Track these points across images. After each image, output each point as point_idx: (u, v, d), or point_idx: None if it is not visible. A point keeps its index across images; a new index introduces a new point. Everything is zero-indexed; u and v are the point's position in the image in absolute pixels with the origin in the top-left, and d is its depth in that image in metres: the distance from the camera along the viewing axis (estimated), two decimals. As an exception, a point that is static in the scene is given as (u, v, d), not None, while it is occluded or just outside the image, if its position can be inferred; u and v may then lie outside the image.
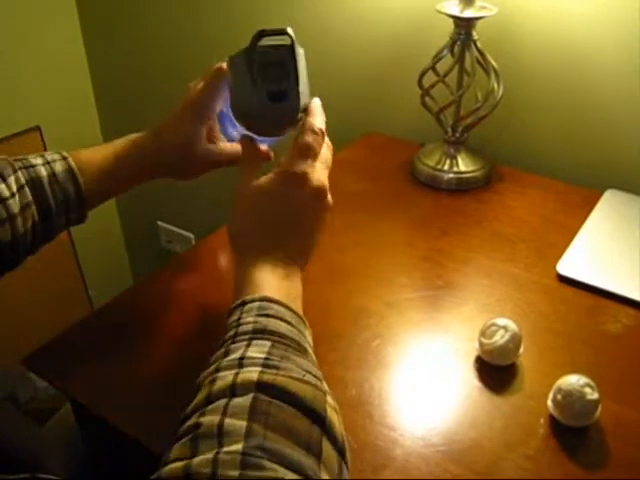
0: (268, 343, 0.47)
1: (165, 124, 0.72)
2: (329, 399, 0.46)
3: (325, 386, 0.47)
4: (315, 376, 0.47)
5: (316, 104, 0.62)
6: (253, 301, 0.52)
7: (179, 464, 0.38)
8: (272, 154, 0.70)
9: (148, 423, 0.60)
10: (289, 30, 0.62)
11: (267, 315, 0.50)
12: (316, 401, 0.44)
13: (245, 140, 0.64)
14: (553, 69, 0.98)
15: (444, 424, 0.59)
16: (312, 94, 0.66)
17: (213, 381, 0.45)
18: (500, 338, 0.63)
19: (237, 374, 0.44)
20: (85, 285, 1.74)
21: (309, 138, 0.58)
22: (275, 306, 0.51)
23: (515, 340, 0.63)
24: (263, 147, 0.67)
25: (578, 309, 0.74)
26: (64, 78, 1.60)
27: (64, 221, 0.68)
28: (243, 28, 1.31)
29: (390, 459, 0.56)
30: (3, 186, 0.62)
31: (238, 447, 0.39)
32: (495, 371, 0.65)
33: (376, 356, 0.67)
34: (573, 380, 0.57)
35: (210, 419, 0.41)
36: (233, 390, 0.43)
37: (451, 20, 0.90)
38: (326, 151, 0.61)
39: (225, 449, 0.39)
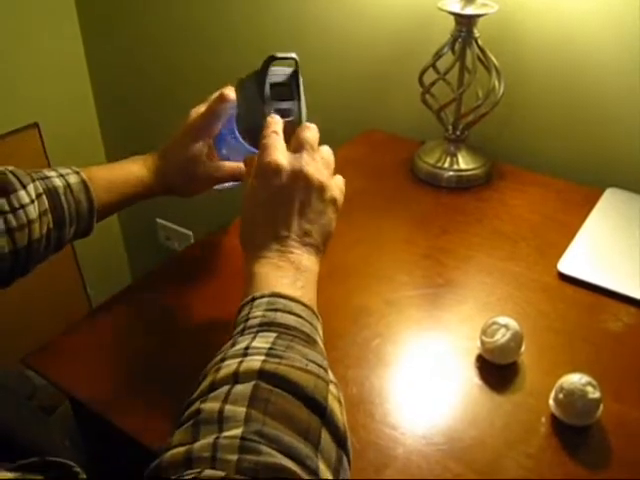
0: (274, 334, 0.48)
1: (169, 146, 0.78)
2: (332, 388, 0.46)
3: (330, 376, 0.47)
4: (320, 365, 0.47)
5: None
6: (262, 297, 0.52)
7: (181, 449, 0.39)
8: None
9: (147, 421, 0.60)
10: (295, 56, 0.71)
11: (275, 309, 0.51)
12: (317, 390, 0.44)
13: (251, 157, 0.67)
14: (554, 67, 0.97)
15: (445, 422, 0.59)
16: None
17: (218, 370, 0.45)
18: (501, 337, 0.63)
19: (241, 362, 0.45)
20: (84, 283, 1.74)
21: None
22: (283, 301, 0.52)
23: (516, 339, 0.63)
24: None
25: (579, 307, 0.73)
26: (63, 75, 1.60)
27: (74, 231, 0.71)
28: (242, 26, 1.30)
29: (392, 458, 0.56)
30: (23, 193, 0.65)
31: (237, 432, 0.39)
32: (496, 370, 0.65)
33: (376, 355, 0.67)
34: (575, 379, 0.57)
35: (211, 405, 0.42)
36: (236, 378, 0.44)
37: (452, 17, 0.90)
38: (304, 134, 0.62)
39: (225, 434, 0.39)
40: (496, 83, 0.92)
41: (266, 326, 0.49)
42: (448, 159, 0.99)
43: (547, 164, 1.02)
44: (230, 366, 0.45)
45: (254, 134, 0.69)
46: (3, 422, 0.44)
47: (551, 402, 0.59)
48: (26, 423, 0.47)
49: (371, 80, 1.18)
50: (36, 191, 0.67)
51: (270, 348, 0.46)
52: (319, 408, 0.43)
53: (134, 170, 0.77)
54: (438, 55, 0.94)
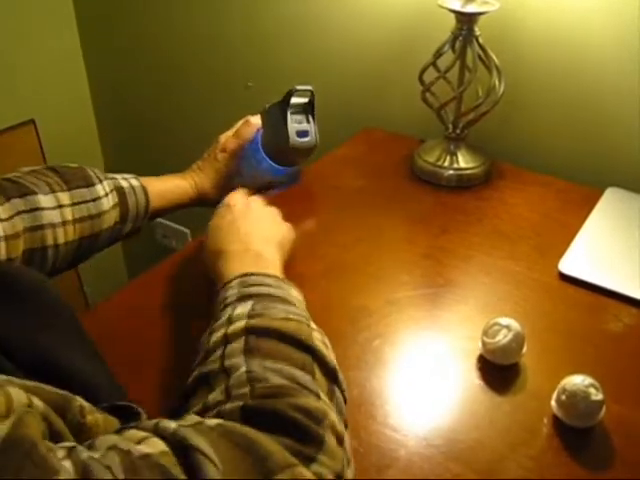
0: (251, 301, 0.53)
1: (205, 164, 0.92)
2: (316, 334, 0.51)
3: (313, 325, 0.53)
4: (300, 315, 0.52)
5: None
6: (233, 279, 0.59)
7: (198, 405, 0.44)
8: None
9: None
10: (311, 88, 0.87)
11: (249, 285, 0.57)
12: (301, 333, 0.49)
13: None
14: (554, 66, 0.97)
15: (447, 424, 0.59)
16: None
17: (208, 341, 0.50)
18: (503, 337, 0.62)
19: (227, 328, 0.50)
20: (80, 281, 1.73)
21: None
22: (253, 277, 0.58)
23: (518, 339, 0.63)
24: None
25: (580, 308, 0.73)
26: (59, 72, 1.59)
27: (130, 227, 0.81)
28: (242, 25, 1.29)
29: (394, 459, 0.55)
30: (100, 187, 0.75)
31: (243, 370, 0.44)
32: (498, 370, 0.64)
33: (377, 355, 0.66)
34: (578, 380, 0.57)
35: (211, 367, 0.47)
36: (226, 340, 0.49)
37: (453, 15, 0.89)
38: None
39: (233, 376, 0.44)
40: (496, 82, 0.92)
41: (242, 298, 0.54)
42: (448, 158, 0.98)
43: (547, 163, 1.02)
44: (218, 333, 0.50)
45: (278, 153, 0.88)
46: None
47: (553, 403, 0.58)
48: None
49: (371, 78, 1.18)
50: (109, 187, 0.77)
51: (251, 310, 0.51)
52: (307, 348, 0.48)
53: (178, 182, 0.89)
54: (438, 53, 0.93)
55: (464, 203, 0.93)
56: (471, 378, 0.64)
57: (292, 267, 0.79)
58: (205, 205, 0.92)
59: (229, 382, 0.44)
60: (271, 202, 0.93)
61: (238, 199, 0.75)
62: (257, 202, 0.75)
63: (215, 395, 0.44)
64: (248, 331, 0.48)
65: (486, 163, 0.99)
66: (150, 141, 1.64)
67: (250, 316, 0.50)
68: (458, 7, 0.88)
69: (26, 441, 0.30)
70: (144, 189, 0.82)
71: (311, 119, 0.88)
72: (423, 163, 0.99)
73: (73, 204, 0.71)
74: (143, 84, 1.57)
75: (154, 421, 0.38)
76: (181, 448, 0.35)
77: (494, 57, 0.91)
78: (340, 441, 0.43)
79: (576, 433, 0.58)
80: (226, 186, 0.91)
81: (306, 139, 0.86)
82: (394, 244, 0.85)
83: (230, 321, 0.51)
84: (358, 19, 1.13)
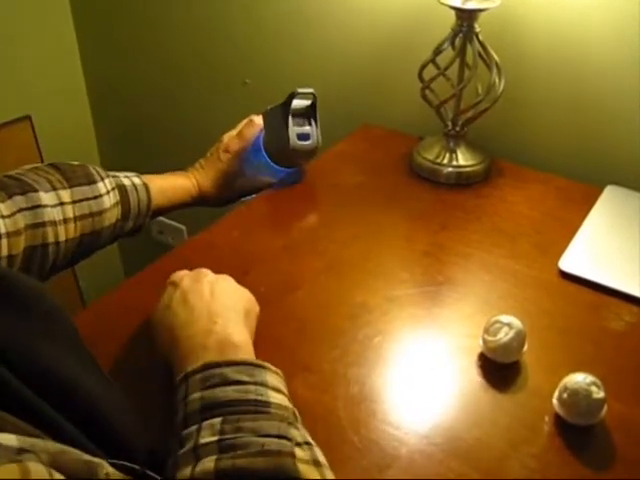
0: (219, 419, 0.46)
1: (207, 163, 0.92)
2: (299, 454, 0.44)
3: (294, 437, 0.46)
4: (277, 436, 0.45)
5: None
6: (195, 372, 0.51)
7: None
8: None
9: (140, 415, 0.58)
10: (313, 91, 0.88)
11: (212, 386, 0.50)
12: (284, 469, 0.43)
13: None
14: (554, 63, 0.97)
15: (448, 422, 0.59)
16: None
17: (177, 452, 0.45)
18: (504, 335, 0.62)
19: (194, 468, 0.43)
20: (75, 277, 1.72)
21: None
22: (217, 370, 0.51)
23: (519, 338, 0.62)
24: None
25: (580, 306, 0.73)
26: (55, 67, 1.58)
27: (132, 225, 0.81)
28: (241, 22, 1.29)
29: (395, 458, 0.55)
30: (102, 184, 0.75)
31: None
32: (498, 369, 0.64)
33: (377, 353, 0.66)
34: (579, 379, 0.56)
35: None
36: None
37: (453, 12, 0.89)
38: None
39: None
40: (496, 79, 0.91)
41: (208, 411, 0.48)
42: (447, 155, 0.98)
43: (547, 161, 1.02)
44: (184, 473, 0.43)
45: (280, 155, 0.89)
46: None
47: (555, 401, 0.58)
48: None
49: (370, 75, 1.17)
50: (110, 185, 0.76)
51: (219, 440, 0.45)
52: None
53: (180, 181, 0.89)
54: (438, 50, 0.93)
55: (463, 201, 0.93)
56: (472, 376, 0.64)
57: (292, 264, 0.79)
58: (205, 205, 0.92)
59: None
60: (270, 200, 0.93)
61: (183, 274, 0.65)
62: (204, 272, 0.65)
63: None
64: (218, 476, 0.42)
65: (486, 161, 0.98)
66: (146, 137, 1.63)
67: (220, 449, 0.44)
68: (458, 4, 0.87)
69: None
70: (146, 187, 0.82)
71: (313, 122, 0.89)
72: (422, 160, 0.99)
73: (74, 202, 0.71)
74: (139, 80, 1.56)
75: None
76: None
77: (494, 54, 0.91)
78: None
79: (578, 431, 0.57)
80: (227, 186, 0.92)
81: (307, 142, 0.88)
82: (393, 241, 0.84)
83: (197, 454, 0.44)
84: (358, 16, 1.12)
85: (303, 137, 0.88)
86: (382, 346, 0.67)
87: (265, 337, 0.64)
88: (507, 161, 1.02)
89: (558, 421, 0.58)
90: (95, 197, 0.74)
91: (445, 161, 0.97)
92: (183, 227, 1.72)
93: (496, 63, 0.91)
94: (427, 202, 0.93)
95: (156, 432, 0.51)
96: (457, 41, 0.92)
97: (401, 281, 0.77)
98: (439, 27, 0.93)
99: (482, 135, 1.02)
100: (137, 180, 0.82)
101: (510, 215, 0.89)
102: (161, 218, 1.73)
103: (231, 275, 0.67)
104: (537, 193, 0.94)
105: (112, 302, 0.74)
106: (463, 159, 0.97)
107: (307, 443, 0.47)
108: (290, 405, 0.51)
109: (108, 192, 0.75)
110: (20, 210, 0.65)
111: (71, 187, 0.71)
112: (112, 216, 0.76)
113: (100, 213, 0.74)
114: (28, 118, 1.52)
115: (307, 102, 0.89)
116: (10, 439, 0.30)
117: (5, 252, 0.62)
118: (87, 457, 0.34)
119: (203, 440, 0.45)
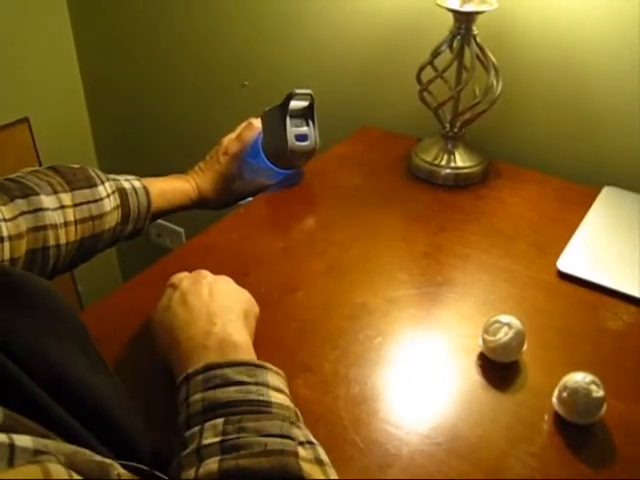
0: (221, 420, 0.47)
1: (206, 166, 0.92)
2: (302, 453, 0.44)
3: (297, 436, 0.46)
4: (280, 435, 0.45)
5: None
6: (196, 374, 0.52)
7: None
8: None
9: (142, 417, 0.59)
10: (311, 92, 0.88)
11: (214, 386, 0.50)
12: (287, 468, 0.43)
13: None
14: (552, 65, 0.97)
15: (449, 421, 0.59)
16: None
17: (180, 453, 0.45)
18: (504, 335, 0.63)
19: (198, 469, 0.43)
20: (74, 280, 1.72)
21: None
22: (219, 371, 0.51)
23: (519, 337, 0.63)
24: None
25: (579, 306, 0.73)
26: (53, 69, 1.58)
27: (132, 229, 0.81)
28: (239, 22, 1.29)
29: (396, 457, 0.55)
30: (102, 187, 0.75)
31: None
32: (498, 368, 0.64)
33: (378, 353, 0.66)
34: (579, 378, 0.57)
35: None
36: None
37: (451, 14, 0.90)
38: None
39: None
40: (494, 81, 0.92)
41: (210, 411, 0.48)
42: (445, 157, 0.98)
43: (544, 162, 1.02)
44: (188, 475, 0.43)
45: (278, 156, 0.89)
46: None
47: (554, 400, 0.59)
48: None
49: (369, 77, 1.18)
50: (111, 188, 0.77)
51: (222, 441, 0.45)
52: None
53: (179, 184, 0.89)
54: (436, 52, 0.93)
55: (462, 202, 0.93)
56: (472, 376, 0.64)
57: (291, 265, 0.80)
58: (205, 208, 0.92)
59: None
60: (269, 202, 0.93)
61: (182, 276, 0.66)
62: (204, 274, 0.65)
63: None
64: (223, 477, 0.43)
65: (483, 162, 0.99)
66: (144, 139, 1.64)
67: (223, 450, 0.44)
68: (456, 6, 0.88)
69: None
70: (146, 190, 0.82)
71: (311, 123, 0.89)
72: (420, 162, 0.99)
73: (75, 205, 0.71)
74: (137, 82, 1.56)
75: None
76: None
77: (492, 56, 0.92)
78: None
79: (577, 430, 0.58)
80: (227, 189, 0.93)
81: (305, 143, 0.88)
82: (392, 242, 0.85)
83: (200, 456, 0.45)
84: (356, 18, 1.13)
85: (301, 138, 0.88)
86: (383, 347, 0.67)
87: (266, 338, 0.65)
88: (505, 162, 1.03)
89: (558, 420, 0.59)
90: (96, 200, 0.74)
91: (443, 162, 0.98)
92: (181, 230, 1.72)
93: (494, 65, 0.92)
94: (425, 203, 0.93)
95: (158, 433, 0.52)
96: (455, 43, 0.92)
97: (400, 282, 0.77)
98: (437, 29, 0.93)
99: (480, 137, 1.03)
100: (137, 183, 0.82)
101: (508, 216, 0.90)
102: (159, 221, 1.73)
103: (231, 277, 0.67)
104: (535, 194, 0.95)
105: (111, 305, 0.74)
106: (461, 160, 0.98)
107: (310, 442, 0.47)
108: (292, 405, 0.51)
109: (108, 195, 0.76)
110: (22, 213, 0.65)
111: (72, 190, 0.72)
112: (112, 219, 0.77)
113: (101, 216, 0.74)
114: (26, 120, 1.52)
115: (305, 103, 0.89)
116: (25, 440, 0.30)
117: (7, 255, 0.62)
118: (99, 458, 0.34)
119: (206, 441, 0.45)
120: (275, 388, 0.51)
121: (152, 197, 0.82)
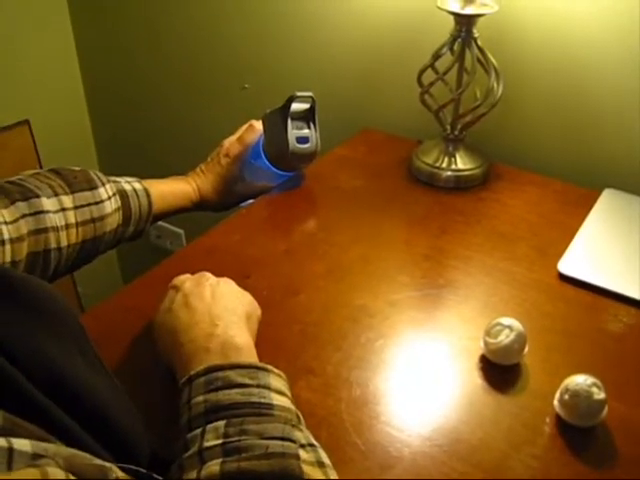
0: (223, 422, 0.47)
1: (208, 168, 0.92)
2: (304, 455, 0.45)
3: (298, 439, 0.46)
4: (281, 438, 0.46)
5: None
6: (198, 376, 0.52)
7: None
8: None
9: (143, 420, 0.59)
10: (312, 94, 0.88)
11: (216, 389, 0.50)
12: (288, 471, 0.43)
13: None
14: (553, 68, 0.98)
15: (450, 424, 0.59)
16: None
17: (182, 455, 0.45)
18: (505, 338, 0.63)
19: (199, 471, 0.44)
20: (74, 282, 1.72)
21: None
22: (221, 373, 0.51)
23: (520, 340, 0.63)
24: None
25: (579, 308, 0.74)
26: (54, 72, 1.58)
27: (133, 231, 0.81)
28: (239, 24, 1.29)
29: (397, 459, 0.55)
30: (103, 190, 0.75)
31: None
32: (499, 371, 0.65)
33: (380, 356, 0.66)
34: (580, 380, 0.57)
35: None
36: None
37: (451, 17, 0.90)
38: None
39: None
40: (495, 84, 0.92)
41: (212, 414, 0.48)
42: (446, 159, 0.98)
43: (545, 165, 1.03)
44: (189, 477, 0.44)
45: (279, 159, 0.90)
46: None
47: (556, 403, 0.59)
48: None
49: (369, 79, 1.18)
50: (112, 190, 0.76)
51: (224, 443, 0.45)
52: None
53: (180, 186, 0.89)
54: (437, 55, 0.93)
55: (463, 204, 0.93)
56: (473, 378, 0.64)
57: (293, 267, 0.80)
58: (205, 209, 0.92)
59: None
60: (270, 204, 0.93)
61: (184, 278, 0.66)
62: (206, 276, 0.66)
63: None
64: (224, 479, 0.43)
65: (484, 164, 0.99)
66: (145, 142, 1.64)
67: (225, 452, 0.44)
68: (457, 9, 0.88)
69: None
70: (147, 192, 0.82)
71: (312, 125, 0.89)
72: (421, 164, 0.99)
73: (76, 207, 0.71)
74: (138, 84, 1.56)
75: None
76: None
77: (492, 59, 0.92)
78: None
79: (579, 432, 0.58)
80: (228, 191, 0.93)
81: (306, 145, 0.88)
82: (393, 245, 0.85)
83: (202, 458, 0.45)
84: (357, 20, 1.13)
85: (302, 140, 0.88)
86: (384, 349, 0.67)
87: (267, 340, 0.65)
88: (505, 165, 1.03)
89: (559, 422, 0.59)
90: (97, 202, 0.74)
91: (444, 165, 0.98)
92: (181, 231, 1.72)
93: (494, 68, 0.92)
94: (426, 206, 0.93)
95: (159, 435, 0.52)
96: (456, 46, 0.92)
97: (402, 284, 0.77)
98: (438, 32, 0.93)
99: (481, 139, 1.03)
100: (138, 185, 0.82)
101: (509, 218, 0.90)
102: (159, 222, 1.73)
103: (232, 279, 0.67)
104: (536, 196, 0.95)
105: (112, 307, 0.74)
106: (462, 163, 0.98)
107: (311, 445, 0.47)
108: (293, 407, 0.51)
109: (109, 197, 0.76)
110: (23, 216, 0.65)
111: (73, 193, 0.72)
112: (113, 221, 0.77)
113: (101, 219, 0.74)
114: (26, 122, 1.52)
115: (306, 105, 0.90)
116: (24, 444, 0.31)
117: (8, 258, 0.62)
118: (98, 461, 0.34)
119: (208, 443, 0.45)
120: (277, 391, 0.51)
121: (153, 199, 0.82)
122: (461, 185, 0.97)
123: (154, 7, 1.40)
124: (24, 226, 0.65)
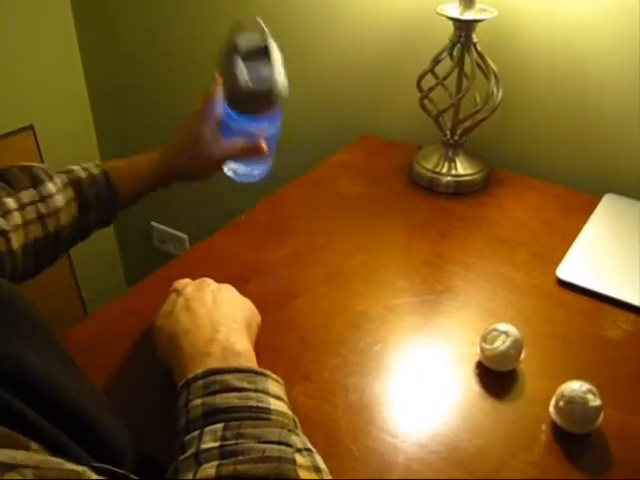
0: (220, 425, 0.47)
1: (177, 134, 0.87)
2: (300, 460, 0.45)
3: (294, 443, 0.46)
4: (278, 442, 0.46)
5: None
6: (196, 379, 0.52)
7: None
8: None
9: (144, 424, 0.59)
10: (258, 19, 0.78)
11: (214, 392, 0.50)
12: (284, 475, 0.43)
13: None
14: (552, 73, 0.98)
15: (446, 430, 0.59)
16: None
17: (177, 460, 0.45)
18: (501, 344, 0.63)
19: (195, 473, 0.44)
20: (78, 286, 1.73)
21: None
22: (219, 377, 0.51)
23: (516, 346, 0.63)
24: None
25: (578, 314, 0.73)
26: (58, 77, 1.59)
27: (96, 218, 0.77)
28: (232, 17, 1.29)
29: (393, 465, 0.55)
30: (50, 184, 0.71)
31: None
32: (496, 377, 0.64)
33: (378, 361, 0.67)
34: (576, 387, 0.57)
35: None
36: None
37: (451, 22, 0.90)
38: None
39: None
40: (494, 89, 0.92)
41: (210, 416, 0.48)
42: (446, 164, 0.99)
43: (545, 170, 1.03)
44: (185, 479, 0.44)
45: (237, 100, 0.80)
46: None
47: (551, 409, 0.59)
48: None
49: (369, 85, 1.18)
50: (62, 182, 0.73)
51: (221, 446, 0.45)
52: None
53: (152, 159, 0.83)
54: (437, 60, 0.94)
55: (463, 209, 0.93)
56: (470, 384, 0.64)
57: (292, 273, 0.80)
58: (188, 179, 0.86)
59: None
60: (270, 210, 0.94)
61: (186, 282, 0.66)
62: (208, 281, 0.66)
63: None
64: None
65: (484, 169, 0.99)
66: (149, 144, 1.64)
67: (222, 455, 0.44)
68: (456, 14, 0.88)
69: None
70: (106, 175, 0.77)
71: (267, 60, 0.80)
72: (421, 169, 0.99)
73: (21, 207, 0.68)
74: (142, 90, 1.57)
75: None
76: None
77: (492, 64, 0.92)
78: None
79: (575, 439, 0.58)
80: (204, 154, 0.84)
81: (261, 82, 0.78)
82: (393, 250, 0.85)
83: (198, 461, 0.45)
84: (356, 26, 1.13)
85: (257, 77, 0.79)
86: (383, 355, 0.67)
87: (266, 345, 0.65)
88: (505, 170, 1.03)
89: (556, 429, 0.59)
90: (43, 198, 0.70)
91: (444, 170, 0.98)
92: (185, 236, 1.73)
93: (494, 73, 0.92)
94: (426, 211, 0.94)
95: (158, 437, 0.52)
96: (455, 51, 0.93)
97: (401, 290, 0.77)
98: (437, 37, 0.94)
99: (481, 144, 1.03)
100: (95, 170, 0.77)
101: (509, 223, 0.90)
102: (163, 227, 1.76)
103: (232, 284, 0.68)
104: (536, 202, 0.95)
105: (115, 310, 0.75)
106: (462, 168, 0.98)
107: (307, 449, 0.47)
108: (290, 412, 0.52)
109: (59, 190, 0.72)
110: None
111: (17, 192, 0.69)
112: (68, 214, 0.73)
113: (52, 214, 0.71)
114: (30, 127, 1.53)
115: (261, 44, 0.81)
116: None
117: None
118: (70, 465, 0.33)
119: (205, 446, 0.46)
120: (274, 395, 0.52)
121: (119, 181, 0.78)
122: (461, 190, 0.97)
123: (159, 14, 1.41)
124: None
